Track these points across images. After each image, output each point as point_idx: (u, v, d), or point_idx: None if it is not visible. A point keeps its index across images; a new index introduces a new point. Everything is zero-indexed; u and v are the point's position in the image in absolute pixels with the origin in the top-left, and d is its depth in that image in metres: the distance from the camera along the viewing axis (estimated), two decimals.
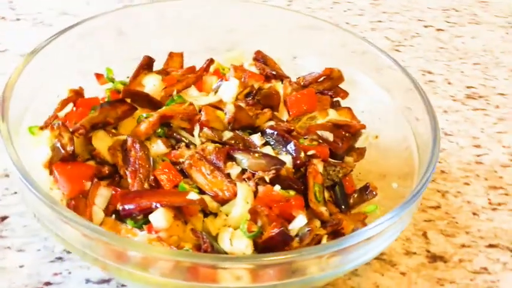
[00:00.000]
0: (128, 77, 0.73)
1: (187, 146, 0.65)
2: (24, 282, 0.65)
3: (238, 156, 0.62)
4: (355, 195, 0.66)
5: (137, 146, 0.61)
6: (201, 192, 0.59)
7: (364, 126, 0.70)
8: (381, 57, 0.73)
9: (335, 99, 0.74)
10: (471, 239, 0.75)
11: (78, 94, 0.68)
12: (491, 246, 0.74)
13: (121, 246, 0.49)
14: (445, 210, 0.78)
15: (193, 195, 0.56)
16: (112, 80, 0.72)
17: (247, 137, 0.65)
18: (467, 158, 0.87)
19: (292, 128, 0.66)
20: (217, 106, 0.67)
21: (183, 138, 0.66)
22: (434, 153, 0.58)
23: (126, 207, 0.56)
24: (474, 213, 0.78)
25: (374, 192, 0.65)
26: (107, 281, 0.65)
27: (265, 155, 0.61)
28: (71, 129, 0.60)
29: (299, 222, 0.57)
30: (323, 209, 0.60)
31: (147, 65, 0.73)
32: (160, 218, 0.55)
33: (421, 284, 0.68)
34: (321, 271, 0.53)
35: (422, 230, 0.75)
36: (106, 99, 0.69)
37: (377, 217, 0.57)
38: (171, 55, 0.76)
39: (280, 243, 0.54)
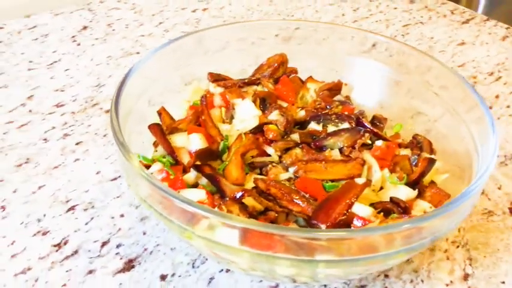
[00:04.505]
0: (156, 150, 0.70)
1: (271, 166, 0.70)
2: None
3: (328, 142, 0.71)
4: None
5: (272, 183, 0.64)
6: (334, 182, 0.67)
7: (341, 81, 0.84)
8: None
9: (292, 75, 0.86)
10: None
11: None
12: None
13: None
14: None
15: (360, 180, 0.65)
16: (151, 161, 0.69)
17: (308, 130, 0.74)
18: None
19: (316, 106, 0.78)
20: (266, 122, 0.73)
21: (266, 162, 0.70)
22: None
23: (331, 221, 0.61)
24: None
25: (382, 119, 0.82)
26: None
27: (344, 129, 0.72)
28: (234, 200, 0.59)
29: (407, 153, 0.72)
30: (400, 140, 0.75)
31: (161, 132, 0.71)
32: (363, 208, 0.62)
33: None
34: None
35: None
36: (172, 176, 0.66)
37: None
38: (160, 114, 0.75)
39: (429, 170, 0.68)
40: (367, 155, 0.69)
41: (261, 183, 0.64)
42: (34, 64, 1.08)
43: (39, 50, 1.12)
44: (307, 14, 1.31)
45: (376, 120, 0.81)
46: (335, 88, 0.82)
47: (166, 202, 0.55)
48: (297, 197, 0.64)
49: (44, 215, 0.76)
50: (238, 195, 0.60)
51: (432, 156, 0.72)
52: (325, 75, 0.85)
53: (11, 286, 0.67)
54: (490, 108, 1.03)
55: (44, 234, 0.74)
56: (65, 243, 0.73)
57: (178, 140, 0.70)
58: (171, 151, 0.69)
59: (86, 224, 0.76)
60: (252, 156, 0.71)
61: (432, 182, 0.71)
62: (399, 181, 0.68)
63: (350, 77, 0.87)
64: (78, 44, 1.15)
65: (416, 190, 0.67)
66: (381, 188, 0.68)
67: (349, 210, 0.62)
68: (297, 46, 0.88)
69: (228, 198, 0.60)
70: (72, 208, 0.78)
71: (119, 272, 0.69)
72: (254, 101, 0.76)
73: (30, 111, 0.96)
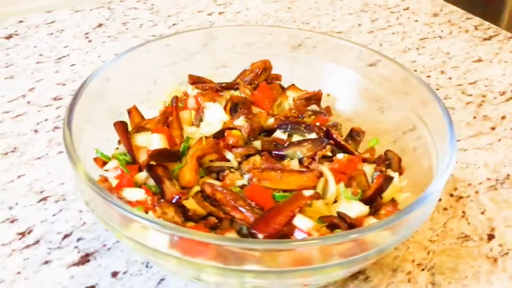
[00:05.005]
0: (117, 148, 0.72)
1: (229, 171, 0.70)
2: None
3: (288, 151, 0.70)
4: (349, 142, 0.80)
5: (219, 188, 0.64)
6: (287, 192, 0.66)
7: (321, 91, 0.83)
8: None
9: (274, 82, 0.85)
10: None
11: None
12: None
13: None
14: None
15: (308, 192, 0.63)
16: (108, 158, 0.70)
17: (272, 138, 0.73)
18: None
19: (289, 114, 0.77)
20: (230, 127, 0.72)
21: (224, 167, 0.70)
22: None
23: (269, 231, 0.60)
24: None
25: (361, 132, 0.80)
26: None
27: (307, 139, 0.71)
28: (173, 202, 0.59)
29: (369, 169, 0.70)
30: (367, 155, 0.73)
31: (125, 129, 0.72)
32: (304, 220, 0.61)
33: None
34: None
35: None
36: (125, 172, 0.67)
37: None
38: (130, 112, 0.76)
39: (384, 188, 0.66)
40: (324, 168, 0.67)
41: (207, 188, 0.64)
42: (43, 58, 1.12)
43: (51, 45, 1.16)
44: (323, 22, 1.30)
45: (354, 133, 0.80)
46: (314, 98, 0.81)
47: (96, 199, 0.55)
48: (242, 205, 0.63)
49: (16, 204, 0.79)
50: (176, 198, 0.60)
51: (393, 173, 0.70)
52: (312, 85, 0.84)
53: None
54: (493, 129, 0.98)
55: (12, 221, 0.76)
56: (29, 232, 0.75)
57: (140, 139, 0.71)
58: (130, 149, 0.69)
59: (54, 215, 0.77)
60: (211, 161, 0.70)
61: (392, 200, 0.68)
62: (353, 196, 0.66)
63: (340, 89, 0.85)
64: (90, 41, 1.18)
65: (368, 207, 0.65)
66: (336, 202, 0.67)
67: (291, 222, 0.60)
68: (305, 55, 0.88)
69: (163, 200, 0.60)
70: (44, 199, 0.80)
71: (74, 265, 0.71)
72: (225, 106, 0.76)
73: (28, 102, 0.99)
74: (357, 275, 0.71)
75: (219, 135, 0.72)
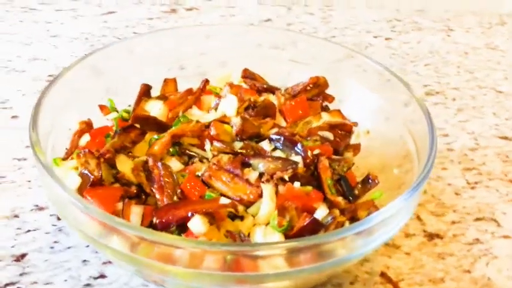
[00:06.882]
0: (129, 105, 0.77)
1: (201, 161, 0.70)
2: None
3: (254, 161, 0.67)
4: (359, 186, 0.72)
5: (159, 164, 0.65)
6: (227, 198, 0.64)
7: (356, 124, 0.76)
8: (359, 58, 0.81)
9: (324, 103, 0.80)
10: (459, 215, 0.82)
11: (88, 125, 0.72)
12: (478, 219, 0.82)
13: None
14: (431, 194, 0.85)
15: (224, 200, 0.61)
16: (116, 110, 0.76)
17: (256, 145, 0.70)
18: (439, 147, 0.95)
19: (295, 132, 0.72)
20: (223, 121, 0.72)
21: (195, 154, 0.70)
22: (434, 137, 0.65)
23: (163, 219, 0.60)
24: (456, 193, 0.86)
25: (376, 181, 0.71)
26: None
27: (279, 158, 0.67)
28: (96, 155, 0.63)
29: (322, 212, 0.63)
30: (339, 199, 0.66)
31: (146, 92, 0.77)
32: (198, 223, 0.59)
33: (425, 260, 0.75)
34: (348, 252, 0.58)
35: (416, 214, 0.82)
36: (115, 128, 0.72)
37: (384, 203, 0.64)
38: (165, 81, 0.81)
39: (312, 232, 0.59)
40: (267, 188, 0.63)
41: (151, 160, 0.66)
42: None
43: None
44: None
45: (369, 179, 0.71)
46: (342, 128, 0.75)
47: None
48: (168, 188, 0.63)
49: None
50: (102, 152, 0.63)
51: (326, 220, 0.61)
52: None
53: None
54: None
55: None
56: None
57: (149, 104, 0.75)
58: (134, 108, 0.75)
59: None
60: (193, 145, 0.71)
61: None
62: (277, 227, 0.60)
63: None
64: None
65: None
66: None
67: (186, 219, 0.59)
68: None
69: (92, 150, 0.64)
70: None
71: None
72: (247, 104, 0.76)
73: None
74: None
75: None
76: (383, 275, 0.72)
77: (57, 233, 0.75)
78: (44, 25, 1.23)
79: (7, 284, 0.68)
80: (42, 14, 1.26)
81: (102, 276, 0.70)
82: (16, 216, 0.78)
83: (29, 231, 0.76)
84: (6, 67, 1.08)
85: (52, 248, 0.73)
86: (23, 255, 0.72)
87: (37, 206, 0.79)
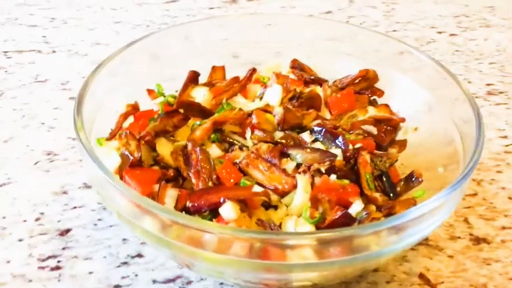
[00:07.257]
0: (176, 91, 0.78)
1: (240, 148, 0.70)
2: (96, 287, 0.68)
3: (293, 152, 0.66)
4: (402, 183, 0.70)
5: (197, 149, 0.66)
6: (261, 186, 0.64)
7: (403, 120, 0.74)
8: (415, 54, 0.78)
9: (372, 97, 0.79)
10: (510, 221, 0.78)
11: (135, 108, 0.74)
12: None
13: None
14: (482, 196, 0.82)
15: (257, 188, 0.61)
16: (163, 95, 0.77)
17: (296, 135, 0.70)
18: (496, 149, 0.91)
19: (338, 125, 0.71)
20: (266, 110, 0.72)
21: (236, 142, 0.70)
22: (480, 136, 0.62)
23: (196, 203, 0.60)
24: (510, 198, 0.82)
25: (420, 179, 0.69)
26: (173, 280, 0.69)
27: (318, 149, 0.66)
28: (137, 137, 0.64)
29: (357, 207, 0.61)
30: (377, 195, 0.64)
31: (193, 78, 0.78)
32: (229, 210, 0.59)
33: (469, 264, 0.72)
34: (380, 247, 0.57)
35: (464, 216, 0.78)
36: (160, 112, 0.74)
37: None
38: (214, 69, 0.81)
39: (343, 226, 0.58)
40: (302, 179, 0.62)
41: (190, 145, 0.66)
42: None
43: None
44: None
45: (412, 177, 0.69)
46: (388, 123, 0.73)
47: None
48: (204, 174, 0.64)
49: None
50: (142, 134, 0.65)
51: (361, 215, 0.60)
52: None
53: None
54: None
55: None
56: None
57: (195, 91, 0.76)
58: (180, 94, 0.76)
59: None
60: (235, 133, 0.71)
61: None
62: (309, 219, 0.60)
63: None
64: None
65: None
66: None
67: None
68: None
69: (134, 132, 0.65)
70: None
71: None
72: (292, 95, 0.75)
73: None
74: None
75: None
76: (421, 276, 0.70)
77: (101, 211, 0.78)
78: (109, 11, 1.27)
79: (49, 257, 0.71)
80: (108, 1, 1.30)
81: (140, 255, 0.72)
82: (65, 192, 0.81)
83: (75, 207, 0.78)
84: (70, 50, 1.13)
85: (95, 225, 0.76)
86: (68, 230, 0.75)
87: (85, 184, 0.82)
